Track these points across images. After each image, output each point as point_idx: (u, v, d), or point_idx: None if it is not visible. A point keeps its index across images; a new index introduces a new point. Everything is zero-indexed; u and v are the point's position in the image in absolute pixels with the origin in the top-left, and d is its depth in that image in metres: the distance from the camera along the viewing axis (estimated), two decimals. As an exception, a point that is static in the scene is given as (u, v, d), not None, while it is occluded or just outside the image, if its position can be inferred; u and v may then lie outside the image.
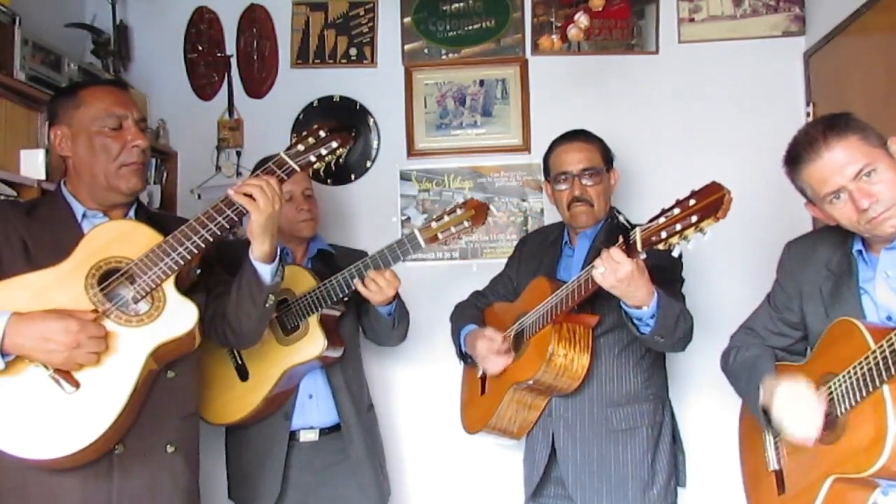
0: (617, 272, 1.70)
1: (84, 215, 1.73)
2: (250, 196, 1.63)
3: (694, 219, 1.53)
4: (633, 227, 1.70)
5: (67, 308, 1.54)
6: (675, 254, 1.62)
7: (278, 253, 1.76)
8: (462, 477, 2.87)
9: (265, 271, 1.74)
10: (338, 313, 2.24)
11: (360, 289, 2.07)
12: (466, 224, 1.97)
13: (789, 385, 1.56)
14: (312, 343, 2.13)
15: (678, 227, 1.56)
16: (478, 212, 1.98)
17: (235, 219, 1.66)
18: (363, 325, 2.40)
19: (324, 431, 2.29)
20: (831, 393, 1.51)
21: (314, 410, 2.28)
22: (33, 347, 1.49)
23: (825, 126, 1.53)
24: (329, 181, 2.96)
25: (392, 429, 2.83)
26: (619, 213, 1.75)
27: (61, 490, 1.58)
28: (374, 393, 2.51)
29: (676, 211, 1.57)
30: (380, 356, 2.80)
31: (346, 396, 2.28)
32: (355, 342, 2.40)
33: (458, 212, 1.98)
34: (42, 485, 1.58)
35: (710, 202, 1.52)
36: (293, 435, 2.26)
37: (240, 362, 2.19)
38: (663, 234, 1.59)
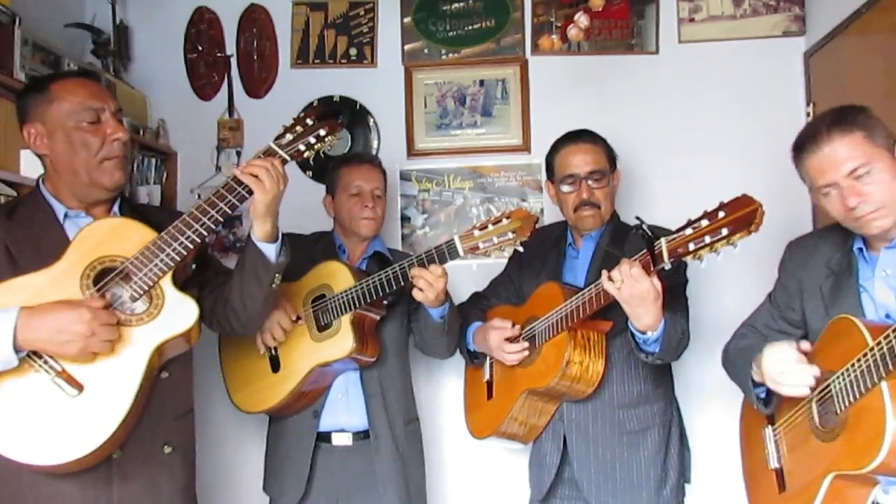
0: (633, 287, 1.70)
1: (66, 215, 1.67)
2: (256, 177, 1.64)
3: (725, 231, 1.53)
4: (656, 235, 1.68)
5: None
6: (702, 265, 1.61)
7: (280, 233, 1.75)
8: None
9: (270, 250, 1.72)
10: (377, 317, 2.17)
11: (414, 292, 1.98)
12: (511, 235, 1.82)
13: (772, 351, 1.58)
14: (341, 342, 2.07)
15: (707, 239, 1.56)
16: (524, 223, 1.82)
17: (238, 203, 1.64)
18: (413, 332, 2.31)
19: (357, 436, 2.22)
20: (830, 390, 1.51)
21: (344, 411, 2.22)
22: (47, 340, 1.46)
23: (832, 119, 1.54)
24: (329, 181, 2.95)
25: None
26: (643, 221, 1.69)
27: (61, 499, 1.54)
28: (420, 407, 2.42)
29: (705, 223, 1.57)
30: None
31: (380, 405, 2.21)
32: (401, 351, 2.32)
33: (504, 221, 1.83)
34: (40, 493, 1.53)
35: (741, 216, 1.52)
36: (327, 437, 2.22)
37: (274, 353, 2.16)
38: (691, 247, 1.58)
